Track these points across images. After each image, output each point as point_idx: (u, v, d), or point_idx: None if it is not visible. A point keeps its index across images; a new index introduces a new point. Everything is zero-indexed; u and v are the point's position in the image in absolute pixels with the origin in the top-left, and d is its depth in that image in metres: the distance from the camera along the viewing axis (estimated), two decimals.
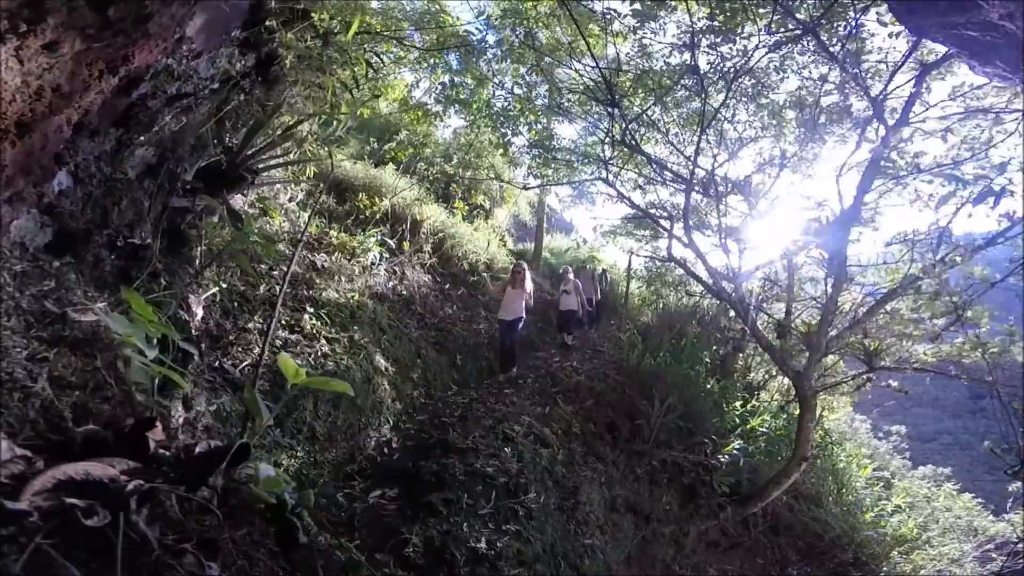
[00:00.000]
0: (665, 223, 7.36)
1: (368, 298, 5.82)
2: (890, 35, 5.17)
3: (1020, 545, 7.79)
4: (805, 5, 5.33)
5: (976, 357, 5.43)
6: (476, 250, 9.72)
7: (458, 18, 6.82)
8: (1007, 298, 5.69)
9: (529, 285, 7.26)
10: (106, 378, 1.69)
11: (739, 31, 5.48)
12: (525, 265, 7.55)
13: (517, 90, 7.62)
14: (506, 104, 7.72)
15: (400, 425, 5.09)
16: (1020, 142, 5.16)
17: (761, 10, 5.23)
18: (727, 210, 6.80)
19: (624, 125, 6.41)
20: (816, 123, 6.30)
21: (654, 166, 7.20)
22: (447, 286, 8.24)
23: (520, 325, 7.27)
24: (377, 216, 7.24)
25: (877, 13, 5.00)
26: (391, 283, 6.64)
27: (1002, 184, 4.03)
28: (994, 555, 8.28)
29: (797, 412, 6.74)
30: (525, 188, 11.26)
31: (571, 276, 9.36)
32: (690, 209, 6.78)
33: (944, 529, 9.06)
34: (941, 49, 4.85)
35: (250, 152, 3.73)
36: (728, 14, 5.29)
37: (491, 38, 7.13)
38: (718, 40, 5.53)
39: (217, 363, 3.60)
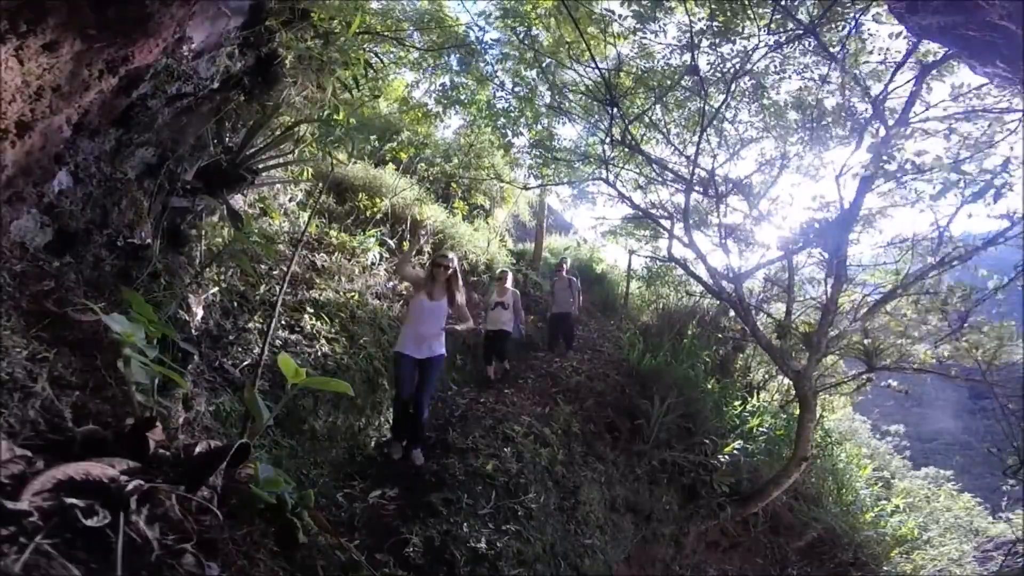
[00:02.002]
0: (665, 223, 7.36)
1: (368, 298, 5.82)
2: (890, 35, 5.17)
3: (1020, 545, 7.79)
4: (805, 5, 5.33)
5: (976, 359, 5.43)
6: (476, 250, 9.73)
7: (457, 18, 6.82)
8: (1008, 299, 5.69)
9: (461, 298, 4.39)
10: (106, 378, 1.69)
11: (739, 31, 5.48)
12: (455, 260, 4.47)
13: (518, 90, 7.62)
14: (507, 105, 7.72)
15: None
16: (1020, 141, 5.16)
17: (761, 10, 5.23)
18: (727, 210, 6.80)
19: (624, 125, 6.41)
20: (817, 124, 6.30)
21: (654, 166, 7.20)
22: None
23: (439, 368, 4.42)
24: (377, 216, 7.25)
25: (875, 14, 5.00)
26: (391, 283, 6.64)
27: (1002, 182, 4.02)
28: (994, 555, 8.28)
29: (797, 412, 6.74)
30: (525, 188, 11.25)
31: (508, 283, 6.99)
32: (690, 209, 6.79)
33: (944, 529, 9.06)
34: (940, 49, 4.86)
35: (250, 152, 3.73)
36: (728, 14, 5.29)
37: (492, 37, 7.15)
38: (718, 41, 5.54)
39: (217, 363, 3.60)
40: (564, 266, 8.77)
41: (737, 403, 7.85)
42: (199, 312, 3.47)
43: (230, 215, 3.69)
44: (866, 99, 5.54)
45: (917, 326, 5.81)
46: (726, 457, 6.44)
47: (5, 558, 0.82)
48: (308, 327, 4.66)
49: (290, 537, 1.49)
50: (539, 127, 8.24)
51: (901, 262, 5.69)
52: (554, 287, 8.74)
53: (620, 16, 5.71)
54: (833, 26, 5.29)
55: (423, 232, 7.66)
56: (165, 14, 2.09)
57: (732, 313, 8.44)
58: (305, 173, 6.05)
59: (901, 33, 4.90)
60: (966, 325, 5.27)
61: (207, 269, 3.76)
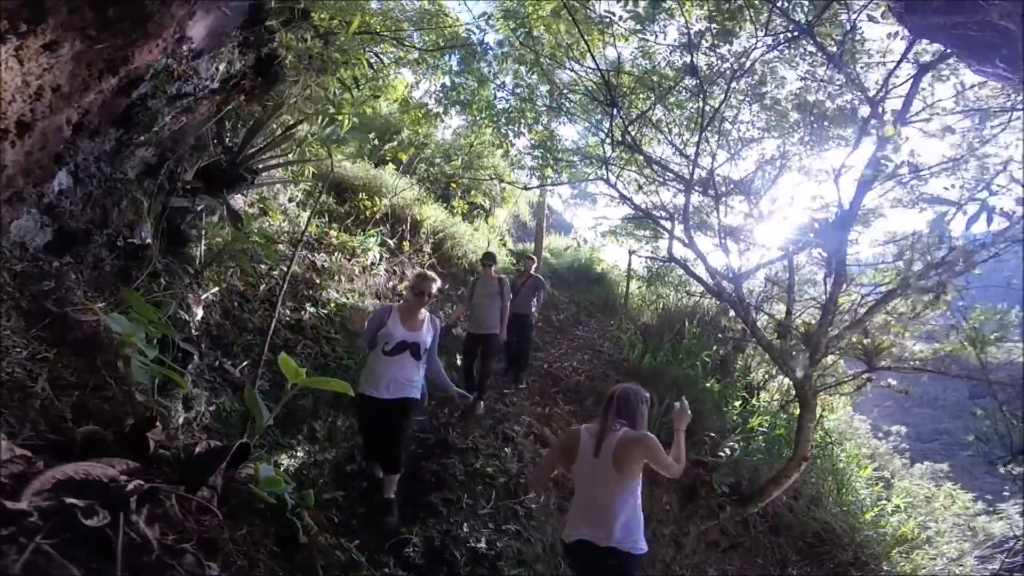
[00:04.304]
0: (665, 223, 7.35)
1: (368, 298, 5.82)
2: (888, 35, 5.16)
3: (1020, 544, 7.79)
4: (802, 6, 5.33)
5: (971, 354, 5.42)
6: (476, 250, 9.73)
7: (457, 18, 6.82)
8: (1008, 299, 5.70)
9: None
10: (106, 378, 1.69)
11: (736, 32, 5.48)
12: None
13: (518, 90, 7.61)
14: (508, 105, 7.72)
15: None
16: (1020, 141, 5.16)
17: (759, 11, 5.24)
18: (727, 210, 6.80)
19: (624, 125, 6.41)
20: (816, 124, 6.30)
21: (654, 167, 7.20)
22: (447, 286, 8.24)
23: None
24: (377, 216, 7.25)
25: (868, 14, 5.01)
26: (391, 283, 6.64)
27: (992, 204, 4.04)
28: (994, 554, 8.28)
29: (797, 412, 6.74)
30: (525, 188, 11.25)
31: (431, 294, 3.59)
32: (690, 209, 6.78)
33: (944, 529, 9.05)
34: (938, 49, 4.86)
35: (250, 152, 3.73)
36: (726, 15, 5.30)
37: (492, 38, 7.13)
38: (716, 41, 5.54)
39: (217, 363, 3.60)
40: (493, 264, 5.92)
41: (737, 403, 7.85)
42: (199, 312, 3.47)
43: (230, 215, 3.69)
44: (863, 99, 5.54)
45: (917, 327, 5.81)
46: (726, 456, 6.43)
47: (5, 558, 0.82)
48: (308, 327, 4.66)
49: (290, 537, 1.49)
50: (539, 127, 8.23)
51: (901, 261, 5.69)
52: (474, 290, 5.75)
53: (620, 17, 5.71)
54: (829, 26, 5.29)
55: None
56: (165, 14, 2.09)
57: (732, 313, 8.43)
58: (305, 173, 6.05)
59: (898, 33, 4.92)
60: (961, 309, 5.27)
61: (207, 269, 3.76)
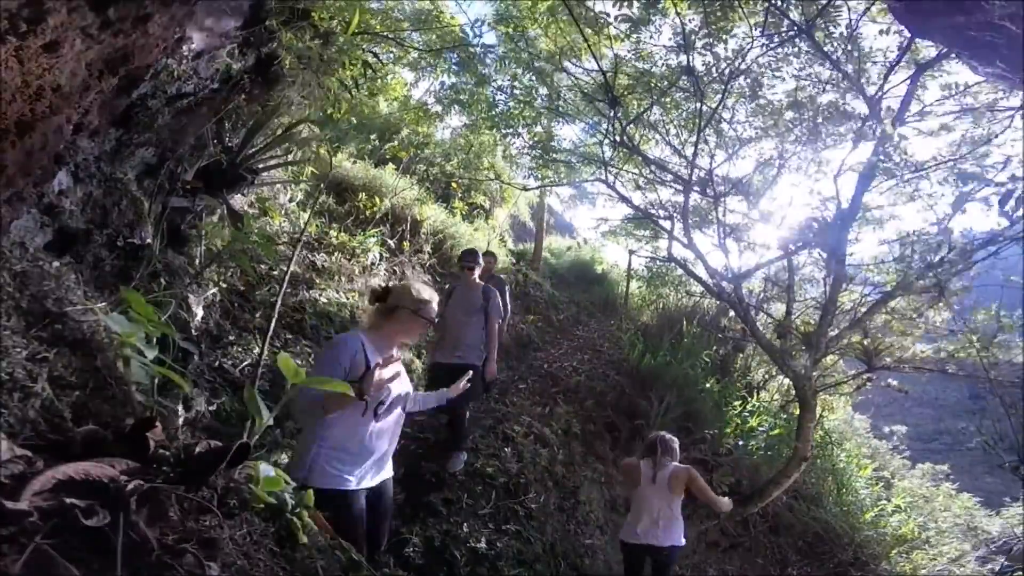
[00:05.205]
0: (665, 223, 7.35)
1: (368, 298, 5.81)
2: (880, 32, 5.16)
3: (1020, 544, 7.79)
4: (799, 5, 5.32)
5: (973, 355, 5.42)
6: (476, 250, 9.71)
7: (453, 17, 6.80)
8: (1009, 298, 5.69)
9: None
10: (106, 378, 1.69)
11: (731, 32, 5.48)
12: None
13: (516, 92, 7.60)
14: (507, 106, 7.70)
15: None
16: (1020, 139, 5.17)
17: (753, 9, 5.24)
18: (726, 210, 6.79)
19: (623, 126, 6.41)
20: (814, 123, 6.30)
21: (652, 167, 7.19)
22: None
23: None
24: (377, 216, 7.24)
25: (868, 16, 5.01)
26: (391, 283, 6.63)
27: (996, 186, 4.05)
28: (994, 555, 8.28)
29: (797, 412, 6.74)
30: (525, 189, 11.24)
31: (399, 347, 2.56)
32: (689, 209, 6.78)
33: (944, 529, 9.06)
34: (935, 48, 4.87)
35: (250, 152, 3.73)
36: (720, 14, 5.30)
37: (489, 39, 7.11)
38: (712, 41, 5.54)
39: (217, 363, 3.60)
40: (475, 265, 4.58)
41: (737, 403, 7.85)
42: (199, 312, 3.47)
43: (230, 215, 3.69)
44: (862, 99, 5.54)
45: (917, 325, 5.81)
46: (726, 456, 6.44)
47: (5, 558, 0.82)
48: (308, 327, 4.66)
49: (290, 537, 1.49)
50: (538, 128, 8.22)
51: (901, 259, 5.69)
52: (448, 302, 4.34)
53: (616, 18, 5.70)
54: (827, 26, 5.29)
55: None
56: (165, 14, 2.09)
57: (732, 313, 8.42)
58: (305, 173, 6.05)
59: (890, 30, 4.92)
60: (965, 318, 5.29)
61: (207, 269, 3.76)
